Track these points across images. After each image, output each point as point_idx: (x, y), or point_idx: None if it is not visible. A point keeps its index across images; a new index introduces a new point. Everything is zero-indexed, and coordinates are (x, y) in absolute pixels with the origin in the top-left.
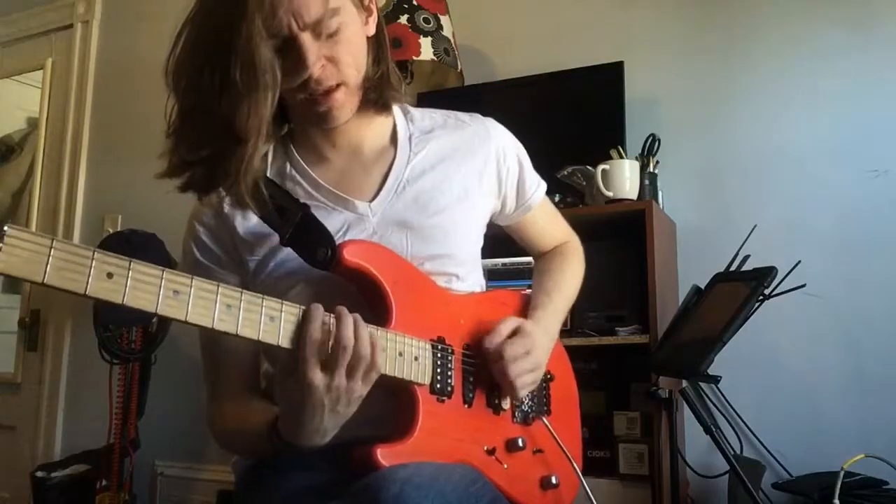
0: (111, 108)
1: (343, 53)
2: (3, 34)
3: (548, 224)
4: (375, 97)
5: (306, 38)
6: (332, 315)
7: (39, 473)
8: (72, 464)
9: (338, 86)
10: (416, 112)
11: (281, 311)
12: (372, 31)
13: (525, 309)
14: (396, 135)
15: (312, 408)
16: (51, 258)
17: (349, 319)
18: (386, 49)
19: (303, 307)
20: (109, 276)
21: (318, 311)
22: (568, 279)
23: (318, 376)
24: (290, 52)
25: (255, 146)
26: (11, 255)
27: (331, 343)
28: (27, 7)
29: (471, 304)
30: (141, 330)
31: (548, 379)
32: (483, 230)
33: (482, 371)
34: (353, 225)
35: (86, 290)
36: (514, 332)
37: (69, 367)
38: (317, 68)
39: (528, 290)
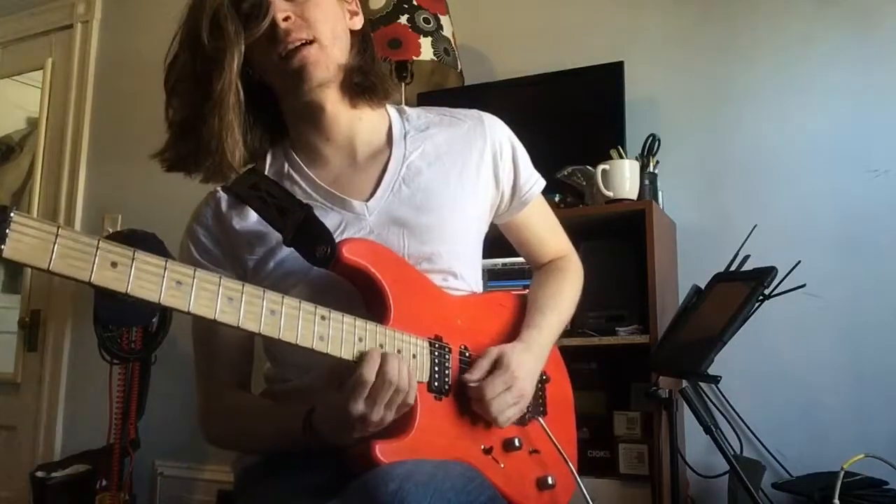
0: (111, 108)
1: (314, 13)
2: (3, 34)
3: (545, 228)
4: (361, 80)
5: None
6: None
7: (39, 473)
8: (72, 464)
9: (310, 42)
10: (412, 111)
11: (282, 305)
12: (357, 26)
13: (521, 311)
14: (392, 133)
15: (350, 427)
16: (56, 246)
17: (395, 357)
18: (372, 47)
19: (305, 302)
20: (114, 265)
21: (376, 353)
22: (565, 297)
23: (359, 408)
24: (260, 9)
25: (227, 106)
26: (18, 242)
27: (378, 378)
28: (27, 7)
29: (468, 305)
30: (141, 330)
31: (543, 380)
32: (484, 226)
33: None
34: (350, 224)
35: (90, 278)
36: (495, 365)
37: (69, 367)
38: (283, 20)
39: (526, 291)
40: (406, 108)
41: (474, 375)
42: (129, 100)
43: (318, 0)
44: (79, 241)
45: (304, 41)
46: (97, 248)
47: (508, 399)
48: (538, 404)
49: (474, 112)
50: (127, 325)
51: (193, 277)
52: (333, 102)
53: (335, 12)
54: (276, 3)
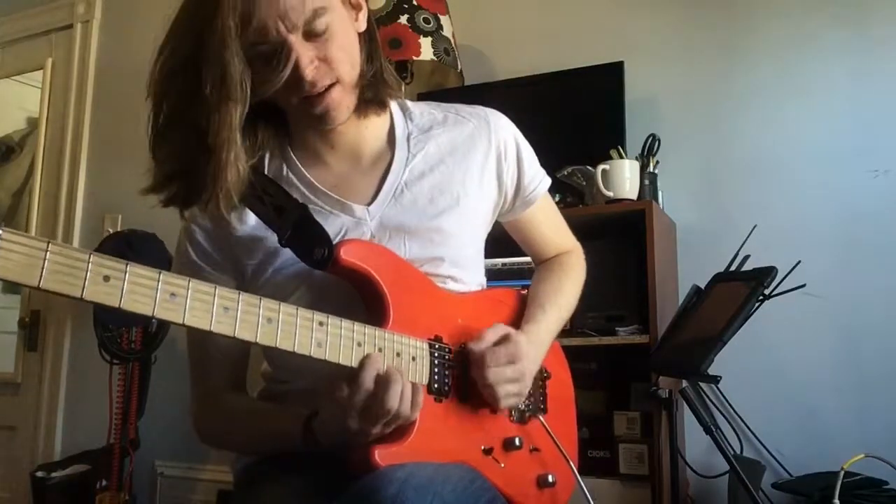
0: (111, 108)
1: (335, 51)
2: (3, 34)
3: (550, 226)
4: (372, 96)
5: (295, 40)
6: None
7: (39, 473)
8: (72, 464)
9: (332, 85)
10: (415, 109)
11: (279, 313)
12: (363, 26)
13: (522, 308)
14: (394, 134)
15: (350, 437)
16: (46, 262)
17: (398, 386)
18: (378, 45)
19: (302, 308)
20: (106, 279)
21: (375, 362)
22: (566, 292)
23: (354, 422)
24: (281, 56)
25: (227, 158)
26: (6, 259)
27: (378, 401)
28: (27, 7)
29: (468, 302)
30: (141, 330)
31: (544, 377)
32: (487, 227)
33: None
34: (351, 229)
35: (82, 295)
36: (501, 340)
37: (69, 367)
38: (310, 70)
39: (525, 291)
40: (409, 104)
41: (480, 345)
42: (129, 100)
43: (337, 33)
44: (70, 256)
45: (327, 86)
46: (88, 262)
47: (509, 373)
48: (539, 402)
49: (480, 110)
50: (127, 325)
51: (188, 289)
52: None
53: (350, 37)
54: (298, 50)
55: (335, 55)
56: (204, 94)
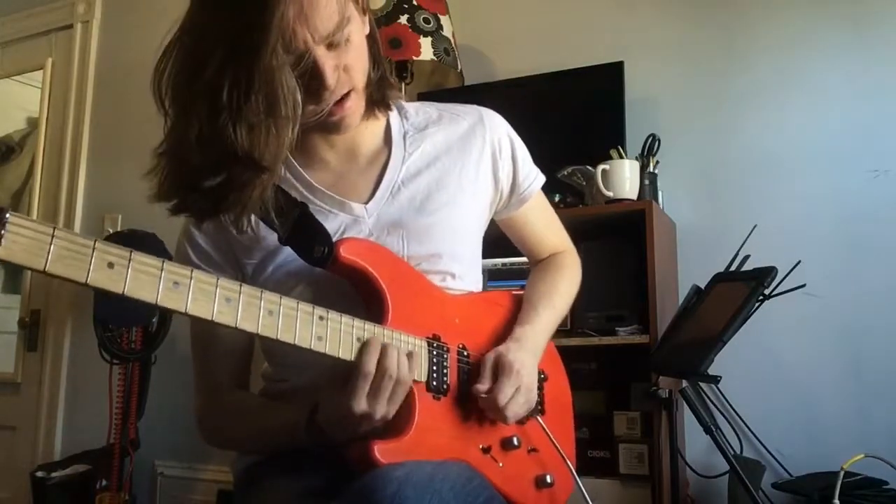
0: (111, 108)
1: (353, 60)
2: (3, 34)
3: (544, 224)
4: (379, 97)
5: (321, 51)
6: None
7: (39, 473)
8: (72, 464)
9: (348, 93)
10: (411, 108)
11: (280, 306)
12: (367, 30)
13: (518, 310)
14: (391, 133)
15: (355, 424)
16: (52, 247)
17: (393, 349)
18: (379, 47)
19: (303, 302)
20: (110, 265)
21: (376, 344)
22: (561, 292)
23: (362, 405)
24: (305, 66)
25: (273, 175)
26: (13, 243)
27: (378, 373)
28: (27, 7)
29: (465, 303)
30: (141, 330)
31: (541, 379)
32: (483, 225)
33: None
34: (350, 227)
35: (87, 279)
36: (497, 370)
37: (69, 367)
38: (333, 80)
39: (521, 291)
40: (405, 104)
41: (484, 385)
42: (128, 100)
43: (355, 42)
44: (75, 242)
45: (344, 94)
46: (93, 248)
47: (520, 399)
48: (536, 403)
49: (474, 109)
50: (127, 325)
51: (191, 278)
52: None
53: (363, 43)
54: (324, 61)
55: (353, 63)
56: (254, 112)
